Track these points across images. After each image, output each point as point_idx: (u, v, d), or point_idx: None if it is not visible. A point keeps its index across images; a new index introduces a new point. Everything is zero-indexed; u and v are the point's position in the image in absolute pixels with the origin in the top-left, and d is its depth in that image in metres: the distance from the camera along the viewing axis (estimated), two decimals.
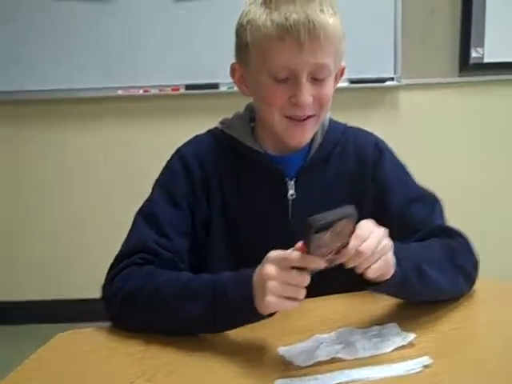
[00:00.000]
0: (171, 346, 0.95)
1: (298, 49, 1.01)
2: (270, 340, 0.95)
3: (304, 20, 1.00)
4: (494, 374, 0.85)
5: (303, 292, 0.85)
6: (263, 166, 1.14)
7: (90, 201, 2.98)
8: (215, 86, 2.71)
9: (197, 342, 0.96)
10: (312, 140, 1.16)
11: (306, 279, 0.85)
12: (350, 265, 0.86)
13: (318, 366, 0.86)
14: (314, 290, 0.87)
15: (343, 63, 1.14)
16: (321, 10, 1.02)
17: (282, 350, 0.91)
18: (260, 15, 1.04)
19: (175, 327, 0.97)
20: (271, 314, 0.91)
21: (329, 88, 1.08)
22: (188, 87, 2.83)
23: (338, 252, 0.85)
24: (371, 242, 0.86)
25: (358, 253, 0.84)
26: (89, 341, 1.02)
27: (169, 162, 1.18)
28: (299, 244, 0.84)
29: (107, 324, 1.04)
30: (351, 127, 1.23)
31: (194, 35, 2.76)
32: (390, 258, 0.91)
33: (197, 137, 1.21)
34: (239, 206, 1.14)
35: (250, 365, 0.88)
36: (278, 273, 0.85)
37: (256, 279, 0.88)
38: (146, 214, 1.12)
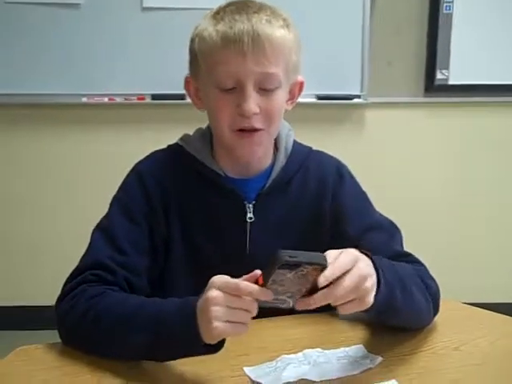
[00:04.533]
0: (129, 371, 0.90)
1: (241, 57, 1.00)
2: (234, 359, 0.92)
3: (248, 29, 1.00)
4: None
5: (250, 316, 0.81)
6: (222, 188, 1.11)
7: (48, 214, 2.90)
8: (181, 96, 2.68)
9: (152, 363, 0.92)
10: (274, 163, 1.14)
11: (255, 306, 0.80)
12: (323, 302, 0.80)
13: None
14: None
15: (300, 77, 1.11)
16: (268, 21, 1.02)
17: (247, 370, 0.89)
18: (207, 27, 1.04)
19: (120, 355, 0.93)
20: (218, 348, 0.85)
21: (278, 101, 1.06)
22: (154, 97, 2.79)
23: (291, 296, 0.80)
24: (354, 277, 0.81)
25: (339, 284, 0.79)
26: (41, 359, 0.97)
27: (126, 179, 1.14)
28: (257, 272, 0.80)
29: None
30: (315, 151, 1.20)
31: (162, 45, 2.71)
32: (369, 301, 0.85)
33: (155, 153, 1.17)
34: (199, 227, 1.11)
35: None
36: (223, 298, 0.80)
37: (200, 306, 0.83)
38: (103, 230, 1.08)
